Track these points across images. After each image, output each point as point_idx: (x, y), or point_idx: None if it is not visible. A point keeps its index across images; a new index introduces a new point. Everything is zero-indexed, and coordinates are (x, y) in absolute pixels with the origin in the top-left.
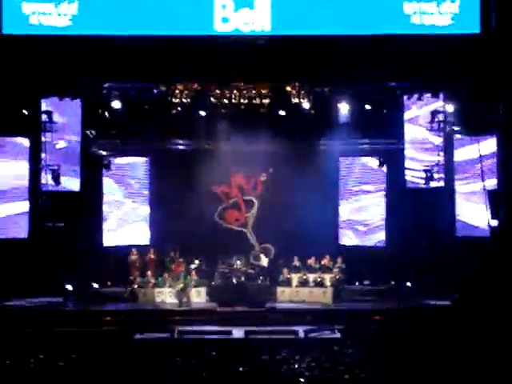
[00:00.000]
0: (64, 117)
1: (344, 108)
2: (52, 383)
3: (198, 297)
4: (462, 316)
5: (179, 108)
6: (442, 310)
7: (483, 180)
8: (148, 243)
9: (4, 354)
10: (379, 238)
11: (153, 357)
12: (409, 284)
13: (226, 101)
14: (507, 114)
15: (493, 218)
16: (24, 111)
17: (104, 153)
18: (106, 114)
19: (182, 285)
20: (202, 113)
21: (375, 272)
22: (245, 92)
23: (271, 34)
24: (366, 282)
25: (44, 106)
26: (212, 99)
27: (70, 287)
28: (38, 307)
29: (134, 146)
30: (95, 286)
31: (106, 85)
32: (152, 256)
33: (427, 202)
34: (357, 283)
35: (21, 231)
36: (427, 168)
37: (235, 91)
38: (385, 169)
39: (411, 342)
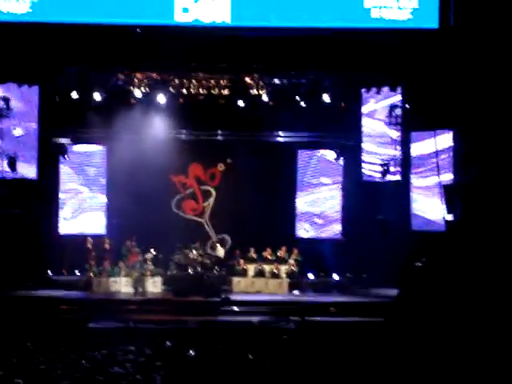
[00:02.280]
0: (21, 104)
1: (302, 100)
2: (4, 371)
3: (154, 286)
4: (409, 309)
5: (138, 97)
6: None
7: (439, 174)
8: (104, 232)
9: None
10: (335, 230)
11: (107, 345)
12: (364, 276)
13: (184, 91)
14: (464, 109)
15: (448, 213)
16: None
17: (61, 140)
18: (64, 101)
19: (137, 274)
20: (161, 102)
21: (331, 264)
22: (204, 82)
23: (231, 25)
24: (322, 274)
25: (1, 92)
26: (171, 89)
27: (24, 274)
28: None
29: (91, 134)
30: (50, 273)
31: (64, 72)
32: (107, 245)
33: (383, 196)
34: (312, 275)
35: None
36: (384, 162)
37: (194, 81)
38: (342, 162)
39: (364, 335)
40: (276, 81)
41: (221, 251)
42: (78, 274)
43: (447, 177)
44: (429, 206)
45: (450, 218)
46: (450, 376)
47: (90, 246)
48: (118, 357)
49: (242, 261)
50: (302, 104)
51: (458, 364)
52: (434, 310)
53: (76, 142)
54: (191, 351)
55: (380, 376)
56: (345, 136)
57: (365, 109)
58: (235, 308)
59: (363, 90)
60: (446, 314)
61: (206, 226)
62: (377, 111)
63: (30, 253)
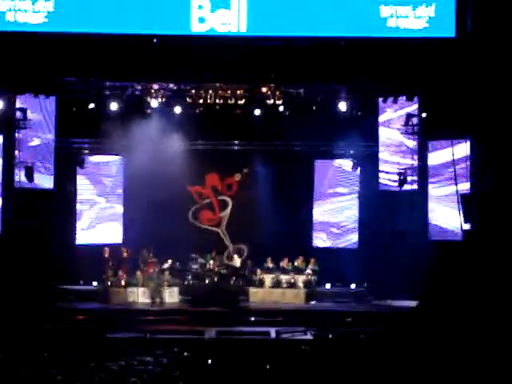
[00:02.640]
0: (38, 114)
1: (318, 109)
2: (21, 382)
3: (171, 297)
4: (427, 319)
5: (154, 107)
6: (412, 313)
7: (456, 184)
8: (121, 242)
9: None
10: (352, 240)
11: (124, 356)
12: (381, 286)
13: (201, 101)
14: (481, 117)
15: (465, 222)
16: None
17: (78, 151)
18: (81, 111)
19: (155, 284)
20: (177, 112)
21: (348, 274)
22: (220, 92)
23: (247, 35)
24: (339, 284)
25: (18, 103)
26: (187, 99)
27: (41, 285)
28: (9, 304)
29: (108, 144)
30: (67, 284)
31: (80, 83)
32: (125, 255)
33: (400, 205)
34: (329, 285)
35: None
36: (401, 171)
37: (210, 91)
38: (358, 171)
39: (382, 345)
40: (292, 90)
41: (237, 261)
42: (95, 284)
43: (464, 186)
44: (446, 216)
45: (467, 227)
46: None
47: (106, 256)
48: (135, 367)
49: (258, 271)
50: (319, 113)
51: (478, 375)
52: (453, 320)
53: (93, 152)
54: (209, 361)
55: None
56: (361, 145)
57: (381, 118)
58: (252, 318)
59: (380, 100)
60: (465, 324)
61: (222, 236)
62: (393, 120)
63: (46, 263)
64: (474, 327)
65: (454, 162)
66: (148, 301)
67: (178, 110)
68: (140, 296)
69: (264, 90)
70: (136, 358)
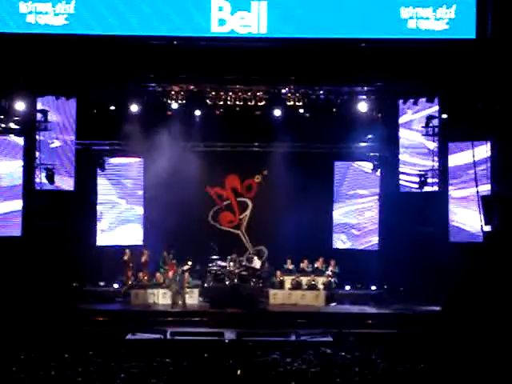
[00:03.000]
0: (59, 116)
1: (339, 111)
2: (43, 382)
3: (191, 298)
4: (452, 322)
5: (175, 108)
6: (434, 316)
7: (477, 185)
8: (142, 244)
9: None
10: (372, 241)
11: (144, 357)
12: (401, 288)
13: (221, 102)
14: (502, 118)
15: (486, 224)
16: (19, 110)
17: (98, 153)
18: (101, 113)
19: (176, 287)
20: (198, 114)
21: (368, 275)
22: (240, 94)
23: (267, 37)
24: (359, 286)
25: (39, 105)
26: (207, 101)
27: (62, 286)
28: (30, 306)
29: (128, 146)
30: (88, 285)
31: (101, 85)
32: (145, 256)
33: (421, 207)
34: (349, 287)
35: (14, 230)
36: (421, 173)
37: (230, 93)
38: (378, 173)
39: (403, 347)
40: (312, 92)
41: (257, 263)
42: (116, 285)
43: (485, 188)
44: (467, 218)
45: (488, 229)
46: None
47: (127, 257)
48: (156, 369)
49: (278, 272)
50: (338, 115)
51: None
52: (478, 323)
53: (113, 154)
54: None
55: None
56: (382, 147)
57: (402, 120)
58: (272, 320)
59: (400, 101)
60: (490, 327)
61: (242, 238)
62: (414, 122)
63: (67, 264)
64: (498, 330)
65: (474, 164)
66: (168, 302)
67: (198, 111)
68: (160, 298)
69: (284, 91)
70: (156, 359)
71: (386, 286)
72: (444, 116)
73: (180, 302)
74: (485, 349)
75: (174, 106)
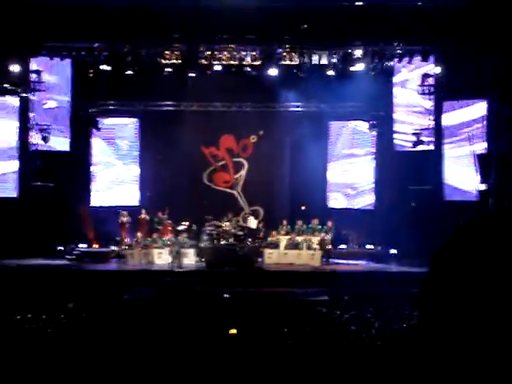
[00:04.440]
0: (54, 77)
1: (334, 71)
2: (43, 343)
3: (187, 258)
4: (439, 281)
5: (169, 69)
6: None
7: (472, 144)
8: (138, 204)
9: None
10: (368, 200)
11: (142, 316)
12: (396, 247)
13: (215, 62)
14: (498, 77)
15: (481, 183)
16: (13, 70)
17: (93, 113)
18: (96, 74)
19: (176, 247)
20: (192, 74)
21: (363, 234)
22: (235, 54)
23: None
24: (354, 245)
25: (34, 66)
26: (202, 61)
27: (59, 247)
28: (28, 267)
29: (123, 107)
30: (83, 246)
31: (96, 46)
32: (143, 216)
33: (416, 166)
34: (345, 246)
35: (10, 190)
36: (416, 131)
37: (225, 52)
38: (374, 132)
39: (398, 306)
40: (307, 51)
41: (253, 223)
42: (112, 246)
43: (480, 146)
44: (462, 176)
45: (483, 187)
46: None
47: (124, 219)
48: (153, 327)
49: (274, 232)
50: (334, 75)
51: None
52: (469, 283)
53: (108, 114)
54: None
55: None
56: (377, 106)
57: (397, 78)
58: (268, 279)
59: (395, 60)
60: (480, 286)
61: (238, 198)
62: (409, 81)
63: (62, 225)
64: (488, 289)
65: (469, 122)
66: (164, 262)
67: (192, 71)
68: (156, 258)
69: (279, 51)
70: (153, 318)
71: (380, 244)
72: (439, 74)
73: (177, 262)
74: (473, 307)
75: (169, 66)
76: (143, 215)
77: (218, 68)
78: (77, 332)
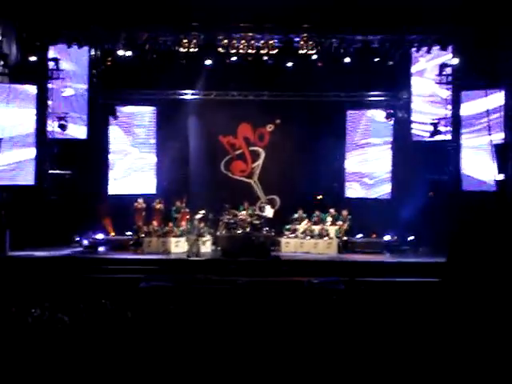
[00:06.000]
0: (71, 64)
1: (352, 60)
2: (59, 331)
3: (203, 247)
4: (458, 270)
5: (186, 57)
6: (442, 265)
7: (490, 134)
8: (154, 192)
9: (10, 302)
10: (385, 190)
11: (158, 304)
12: (413, 237)
13: (233, 51)
14: None
15: (499, 173)
16: (31, 58)
17: (111, 101)
18: (114, 62)
19: (195, 236)
20: (209, 63)
21: (380, 224)
22: (252, 42)
23: None
24: (371, 235)
25: (52, 54)
26: (220, 49)
27: (76, 236)
28: (46, 256)
29: (141, 95)
30: (100, 235)
31: (113, 33)
32: (159, 205)
33: (433, 156)
34: (361, 235)
35: (28, 178)
36: (434, 121)
37: (243, 41)
38: (391, 122)
39: (416, 296)
40: (325, 40)
41: (270, 212)
42: (129, 234)
43: (498, 136)
44: (479, 166)
45: (500, 177)
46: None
47: (139, 206)
48: (169, 316)
49: (291, 221)
50: (352, 64)
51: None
52: (487, 269)
53: (126, 102)
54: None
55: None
56: (394, 96)
57: (414, 68)
58: (284, 268)
59: (413, 49)
60: (499, 273)
61: (254, 187)
62: (427, 70)
63: (79, 212)
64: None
65: (487, 112)
66: (180, 251)
67: (210, 60)
68: (173, 246)
69: (297, 39)
70: (170, 306)
71: (397, 235)
72: (457, 64)
73: (194, 251)
74: (489, 295)
75: (186, 54)
76: (158, 204)
77: (235, 57)
78: (92, 321)
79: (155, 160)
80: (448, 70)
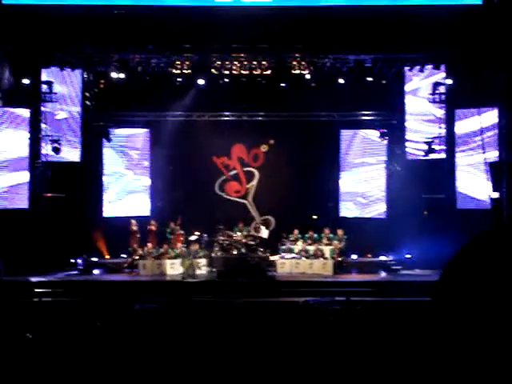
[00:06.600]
0: (64, 87)
1: (345, 79)
2: (55, 352)
3: (199, 268)
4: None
5: (180, 79)
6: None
7: (484, 152)
8: (149, 214)
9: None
10: (380, 209)
11: (153, 326)
12: (409, 256)
13: (226, 72)
14: (509, 85)
15: (494, 191)
16: (24, 81)
17: (104, 124)
18: (106, 85)
19: (190, 259)
20: (203, 83)
21: (376, 244)
22: (245, 63)
23: (272, 5)
24: (366, 254)
25: (44, 77)
26: (213, 70)
27: (70, 259)
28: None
29: (134, 117)
30: (95, 258)
31: (106, 56)
32: (153, 227)
33: (428, 174)
34: (356, 255)
35: (22, 201)
36: (428, 140)
37: (236, 62)
38: (385, 141)
39: (411, 315)
40: (318, 61)
41: (265, 232)
42: (123, 256)
43: (493, 154)
44: (474, 184)
45: (495, 195)
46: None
47: (134, 228)
48: (165, 338)
49: (285, 242)
50: (345, 83)
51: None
52: (482, 288)
53: (119, 125)
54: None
55: (425, 357)
56: (388, 115)
57: (408, 87)
58: (280, 289)
59: (406, 68)
60: (495, 292)
61: (249, 208)
62: (420, 89)
63: (74, 235)
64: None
65: (481, 131)
66: (175, 273)
67: (203, 81)
68: (168, 268)
69: (290, 60)
70: (165, 328)
71: (393, 254)
72: (451, 83)
73: (191, 273)
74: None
75: (179, 76)
76: (152, 226)
77: (228, 78)
78: (88, 342)
79: (149, 182)
80: (442, 89)
